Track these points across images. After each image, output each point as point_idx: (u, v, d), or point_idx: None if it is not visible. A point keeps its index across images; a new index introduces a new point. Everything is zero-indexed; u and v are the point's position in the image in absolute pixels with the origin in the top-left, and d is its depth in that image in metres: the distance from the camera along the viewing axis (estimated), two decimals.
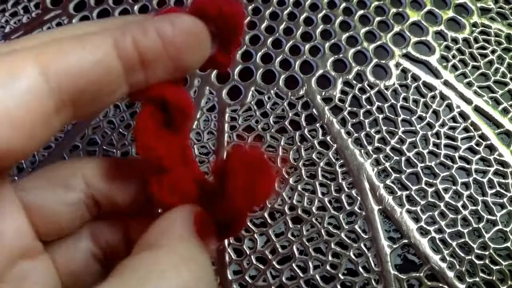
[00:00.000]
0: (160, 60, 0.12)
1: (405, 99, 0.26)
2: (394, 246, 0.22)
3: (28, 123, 0.10)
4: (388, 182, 0.23)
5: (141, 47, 0.12)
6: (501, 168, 0.24)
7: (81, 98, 0.11)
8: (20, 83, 0.10)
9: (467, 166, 0.24)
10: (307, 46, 0.28)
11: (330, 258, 0.22)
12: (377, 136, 0.25)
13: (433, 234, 0.22)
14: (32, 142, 0.10)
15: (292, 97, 0.26)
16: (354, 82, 0.26)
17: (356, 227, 0.22)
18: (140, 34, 0.12)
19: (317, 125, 0.25)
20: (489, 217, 0.23)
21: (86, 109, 0.12)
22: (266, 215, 0.23)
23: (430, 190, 0.23)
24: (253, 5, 0.29)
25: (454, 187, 0.23)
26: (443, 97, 0.26)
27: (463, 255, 0.22)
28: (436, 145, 0.24)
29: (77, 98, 0.11)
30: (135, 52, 0.12)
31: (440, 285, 0.21)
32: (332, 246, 0.22)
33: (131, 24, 0.12)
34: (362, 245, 0.22)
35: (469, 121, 0.25)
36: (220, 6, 0.13)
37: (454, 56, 0.27)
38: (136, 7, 0.30)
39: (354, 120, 0.25)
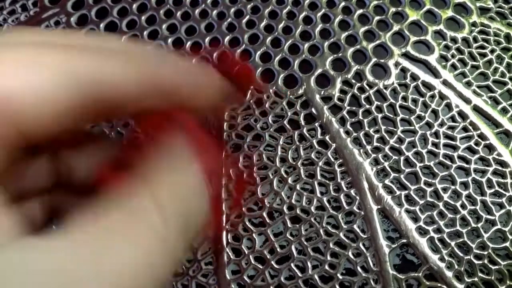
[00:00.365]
0: (178, 97, 0.13)
1: (404, 98, 0.26)
2: (393, 246, 0.22)
3: (55, 113, 0.10)
4: (387, 181, 0.23)
5: (174, 85, 0.12)
6: (500, 168, 0.24)
7: (96, 109, 0.11)
8: (59, 79, 0.10)
9: (466, 165, 0.24)
10: (306, 45, 0.28)
11: (328, 257, 0.22)
12: (376, 136, 0.25)
13: (432, 233, 0.22)
14: (54, 128, 0.10)
15: (291, 96, 0.26)
16: (353, 81, 0.26)
17: (355, 226, 0.22)
18: (175, 74, 0.12)
19: (316, 124, 0.25)
20: (488, 216, 0.23)
21: (93, 119, 0.12)
22: (264, 214, 0.23)
23: (429, 189, 0.23)
24: (252, 4, 0.29)
25: (453, 187, 0.23)
26: (442, 96, 0.26)
27: (461, 255, 0.22)
28: (435, 145, 0.24)
29: (93, 108, 0.11)
30: (162, 84, 0.12)
31: (439, 285, 0.21)
32: (331, 245, 0.22)
33: (169, 58, 0.13)
34: (360, 245, 0.22)
35: (468, 120, 0.25)
36: (241, 74, 0.16)
37: (453, 56, 0.27)
38: (134, 6, 0.29)
39: (353, 120, 0.25)
